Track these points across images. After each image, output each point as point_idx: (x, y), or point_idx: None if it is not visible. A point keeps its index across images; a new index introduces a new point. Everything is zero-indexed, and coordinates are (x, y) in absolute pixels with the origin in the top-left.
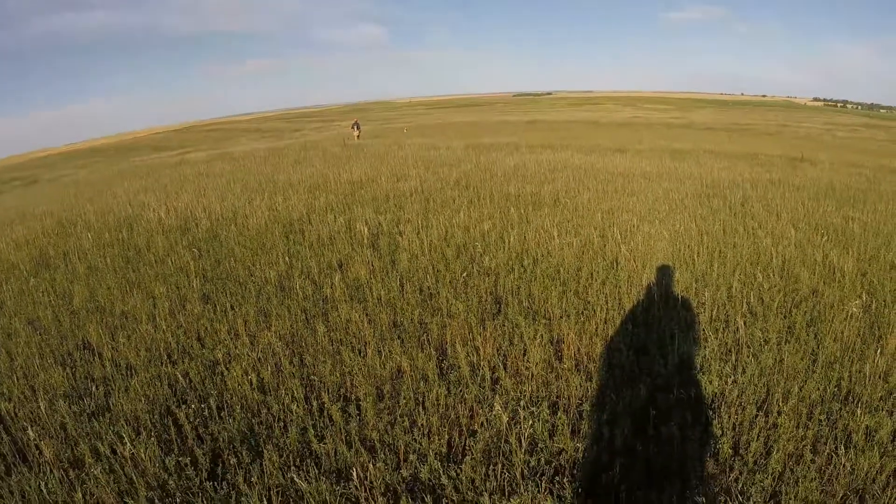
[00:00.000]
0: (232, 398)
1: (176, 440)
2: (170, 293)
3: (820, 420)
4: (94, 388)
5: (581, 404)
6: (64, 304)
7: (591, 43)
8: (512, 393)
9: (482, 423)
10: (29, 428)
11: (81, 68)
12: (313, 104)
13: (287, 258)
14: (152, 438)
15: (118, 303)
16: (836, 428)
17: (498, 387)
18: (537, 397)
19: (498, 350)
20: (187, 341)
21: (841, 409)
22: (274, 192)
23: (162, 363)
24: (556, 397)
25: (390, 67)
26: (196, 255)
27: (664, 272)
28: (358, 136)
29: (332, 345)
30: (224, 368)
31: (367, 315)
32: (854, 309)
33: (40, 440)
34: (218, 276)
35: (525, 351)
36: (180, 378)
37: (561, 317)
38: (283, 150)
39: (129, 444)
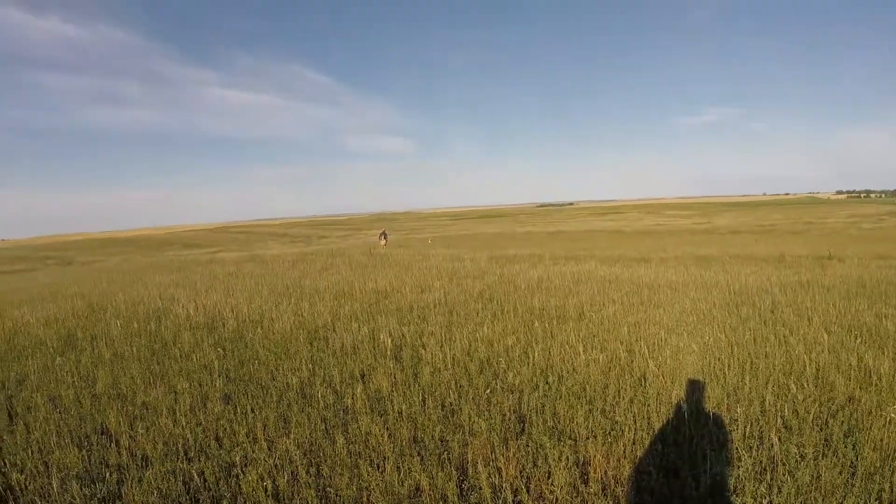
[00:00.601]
0: (245, 503)
1: None
2: (192, 389)
3: None
4: (107, 473)
5: None
6: (87, 386)
7: (611, 153)
8: None
9: None
10: (38, 503)
11: (120, 160)
12: (341, 212)
13: (310, 365)
14: None
15: (140, 393)
16: None
17: None
18: None
19: (521, 471)
20: (205, 440)
21: None
22: (300, 298)
23: (178, 459)
24: None
25: (416, 178)
26: (221, 354)
27: (694, 387)
28: (385, 245)
29: (351, 457)
30: (240, 471)
31: (387, 429)
32: (893, 414)
33: None
34: (241, 377)
35: (549, 473)
36: (195, 476)
37: (587, 437)
38: (310, 256)
39: None
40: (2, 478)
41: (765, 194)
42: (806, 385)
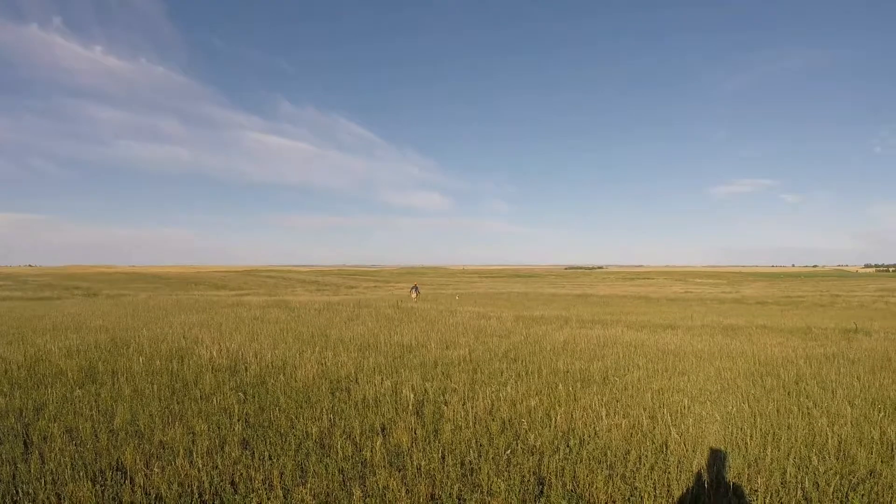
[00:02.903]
0: None
1: None
2: (210, 432)
3: None
4: None
5: None
6: (105, 420)
7: (640, 220)
8: None
9: None
10: None
11: (152, 195)
12: (370, 263)
13: (331, 415)
14: None
15: (158, 431)
16: None
17: None
18: None
19: None
20: (221, 483)
21: None
22: (325, 347)
23: (192, 501)
24: None
25: (447, 234)
26: (241, 398)
27: (716, 457)
28: (416, 298)
29: None
30: None
31: (405, 484)
32: None
33: None
34: (260, 422)
35: None
36: None
37: (606, 502)
38: (337, 306)
39: None
40: None
41: (794, 266)
42: (827, 457)
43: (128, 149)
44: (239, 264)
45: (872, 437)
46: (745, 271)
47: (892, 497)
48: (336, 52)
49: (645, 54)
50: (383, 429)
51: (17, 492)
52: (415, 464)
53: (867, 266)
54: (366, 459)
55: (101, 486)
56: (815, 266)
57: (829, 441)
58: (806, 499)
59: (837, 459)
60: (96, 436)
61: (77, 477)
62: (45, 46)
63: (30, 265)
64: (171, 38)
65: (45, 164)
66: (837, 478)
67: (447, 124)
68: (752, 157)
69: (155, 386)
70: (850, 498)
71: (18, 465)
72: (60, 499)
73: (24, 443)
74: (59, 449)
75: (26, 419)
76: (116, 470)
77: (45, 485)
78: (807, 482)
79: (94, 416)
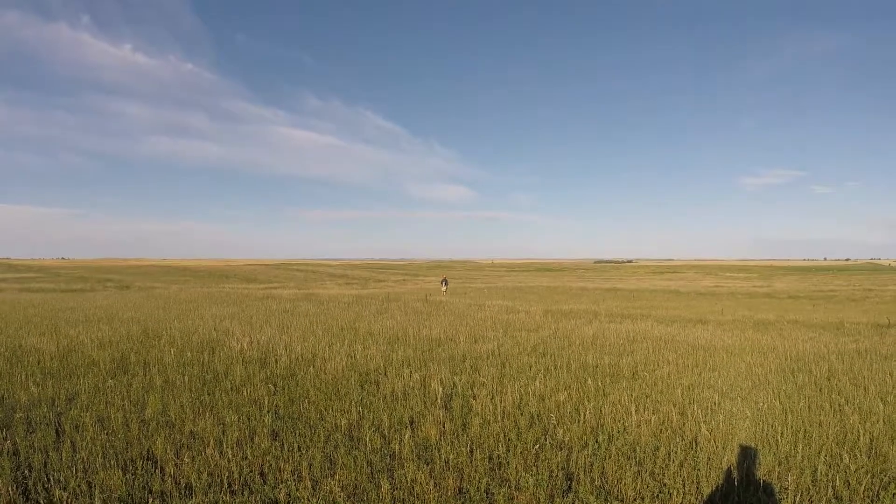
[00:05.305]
0: None
1: None
2: (241, 423)
3: None
4: (150, 499)
5: None
6: (136, 411)
7: (669, 214)
8: None
9: None
10: None
11: (182, 189)
12: (398, 256)
13: (359, 408)
14: None
15: (189, 422)
16: None
17: None
18: None
19: None
20: (250, 474)
21: None
22: (354, 340)
23: (221, 490)
24: None
25: (474, 227)
26: (271, 390)
27: (746, 454)
28: (445, 292)
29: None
30: None
31: (433, 477)
32: None
33: None
34: (290, 414)
35: None
36: None
37: (634, 499)
38: (366, 299)
39: None
40: (45, 493)
41: (826, 259)
42: (859, 455)
43: (157, 144)
44: (266, 258)
45: None
46: (777, 265)
47: None
48: (361, 45)
49: (670, 42)
50: (412, 422)
51: (49, 479)
52: (443, 457)
53: None
54: (394, 452)
55: (132, 474)
56: (847, 259)
57: (861, 439)
58: (837, 497)
59: (869, 457)
60: (127, 425)
61: (108, 465)
62: (75, 45)
63: (63, 258)
64: (198, 35)
65: (76, 159)
66: (869, 476)
67: (472, 116)
68: (779, 147)
69: (186, 377)
70: (881, 497)
71: (50, 454)
72: (91, 487)
73: (56, 431)
74: (90, 438)
75: (58, 408)
76: (147, 459)
77: (76, 473)
78: (838, 480)
79: (125, 406)
